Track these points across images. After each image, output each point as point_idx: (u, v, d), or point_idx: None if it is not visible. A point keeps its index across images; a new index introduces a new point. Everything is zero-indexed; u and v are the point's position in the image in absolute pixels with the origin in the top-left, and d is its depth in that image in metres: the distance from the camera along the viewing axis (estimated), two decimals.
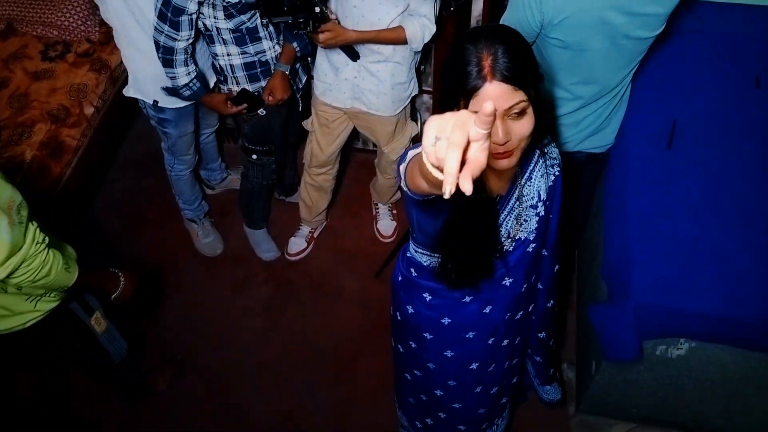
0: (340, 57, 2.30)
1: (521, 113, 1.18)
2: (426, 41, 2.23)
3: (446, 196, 0.74)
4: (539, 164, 1.46)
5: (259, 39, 2.27)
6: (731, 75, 2.18)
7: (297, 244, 2.99)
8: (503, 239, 1.46)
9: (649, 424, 2.36)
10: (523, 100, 1.17)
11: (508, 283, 1.57)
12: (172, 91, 2.33)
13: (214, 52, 2.30)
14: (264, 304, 2.84)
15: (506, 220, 1.44)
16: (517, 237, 1.47)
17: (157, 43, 2.15)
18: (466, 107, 1.17)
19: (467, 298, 1.58)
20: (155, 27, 2.12)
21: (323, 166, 2.71)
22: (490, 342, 1.68)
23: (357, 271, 2.90)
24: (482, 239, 1.41)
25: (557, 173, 1.51)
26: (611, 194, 2.10)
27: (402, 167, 1.20)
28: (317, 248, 3.01)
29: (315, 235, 3.04)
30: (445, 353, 1.70)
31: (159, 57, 2.19)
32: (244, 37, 2.23)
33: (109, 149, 3.17)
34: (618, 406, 2.21)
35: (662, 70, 2.16)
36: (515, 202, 1.44)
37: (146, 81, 2.37)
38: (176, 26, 2.11)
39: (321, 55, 2.38)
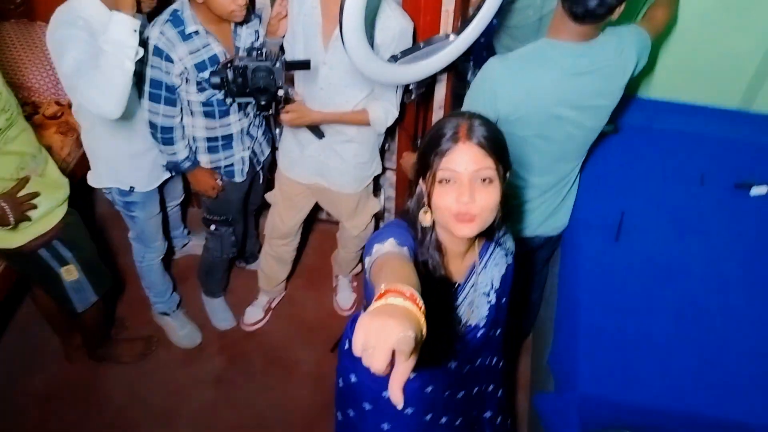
0: (306, 134, 2.35)
1: (488, 181, 1.26)
2: (389, 125, 2.30)
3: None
4: (494, 253, 1.51)
5: (228, 112, 2.32)
6: (677, 171, 2.29)
7: (254, 314, 2.97)
8: (456, 325, 1.48)
9: None
10: (491, 167, 1.25)
11: (452, 366, 1.58)
12: (174, 167, 2.37)
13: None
14: (215, 376, 2.78)
15: (461, 305, 1.47)
16: (468, 323, 1.50)
17: (155, 126, 2.22)
18: (438, 165, 1.26)
19: (411, 375, 1.57)
20: (150, 111, 2.19)
21: (284, 237, 2.73)
22: (427, 418, 1.67)
23: (313, 344, 2.88)
24: (438, 325, 1.43)
25: (510, 262, 1.56)
26: (562, 282, 2.16)
27: (367, 261, 1.26)
28: (275, 318, 2.99)
29: (273, 305, 3.02)
30: (382, 426, 1.69)
31: (158, 139, 2.25)
32: (213, 110, 2.28)
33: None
34: None
35: (611, 164, 2.26)
36: (471, 289, 1.48)
37: (122, 168, 2.35)
38: (173, 103, 2.20)
39: (288, 132, 2.44)
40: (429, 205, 1.32)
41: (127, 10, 1.85)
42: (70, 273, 2.28)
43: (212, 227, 2.62)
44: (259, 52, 2.04)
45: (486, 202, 1.26)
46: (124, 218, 2.56)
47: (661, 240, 2.08)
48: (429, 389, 1.62)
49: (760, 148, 2.37)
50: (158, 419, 2.63)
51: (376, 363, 0.83)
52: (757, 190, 2.21)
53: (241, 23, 2.20)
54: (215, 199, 2.52)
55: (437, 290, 1.42)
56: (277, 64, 2.03)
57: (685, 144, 2.37)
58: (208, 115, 2.29)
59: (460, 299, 1.48)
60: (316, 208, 2.77)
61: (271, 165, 2.72)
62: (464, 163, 1.25)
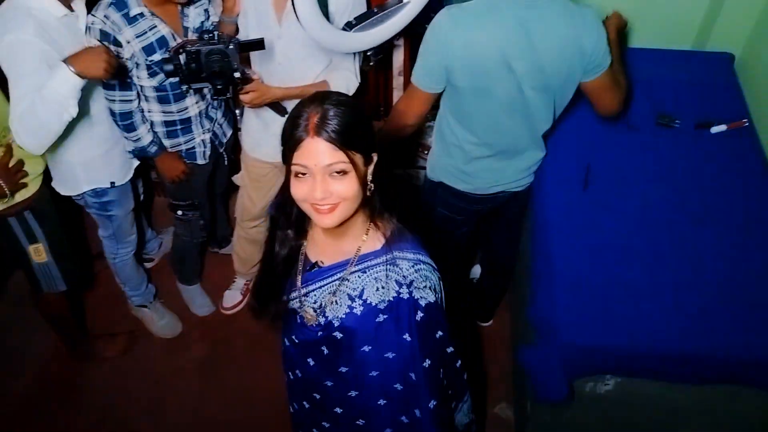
0: (269, 113, 2.32)
1: (342, 174, 1.23)
2: (351, 94, 2.28)
3: None
4: (380, 267, 1.37)
5: (183, 96, 2.27)
6: (637, 117, 2.31)
7: (232, 298, 2.95)
8: (316, 307, 1.43)
9: None
10: (343, 161, 1.22)
11: (325, 352, 1.48)
12: (141, 152, 2.33)
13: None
14: (199, 363, 2.77)
15: (322, 289, 1.42)
16: (327, 314, 1.42)
17: (113, 113, 2.18)
18: (291, 158, 1.23)
19: (296, 340, 1.55)
20: (107, 98, 2.16)
21: (256, 219, 2.71)
22: (316, 396, 1.62)
23: None
24: (269, 273, 1.47)
25: (407, 296, 1.34)
26: (534, 235, 2.18)
27: None
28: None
29: (250, 287, 3.01)
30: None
31: (119, 125, 2.21)
32: (167, 95, 2.23)
33: None
34: None
35: (573, 112, 2.27)
36: (337, 281, 1.40)
37: (98, 167, 2.29)
38: (128, 87, 2.16)
39: (249, 112, 2.40)
40: (290, 196, 1.29)
41: (93, 75, 1.89)
42: (38, 254, 2.29)
43: (179, 213, 2.59)
44: (210, 35, 1.99)
45: (343, 192, 1.24)
46: (97, 219, 2.51)
47: (629, 186, 2.10)
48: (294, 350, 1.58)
49: (716, 87, 2.40)
50: (146, 411, 2.62)
51: None
52: (717, 129, 2.24)
53: (188, 3, 2.15)
54: (179, 185, 2.48)
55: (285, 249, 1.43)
56: (231, 46, 1.98)
57: (643, 89, 2.38)
58: (162, 100, 2.24)
59: (321, 283, 1.42)
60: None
61: (235, 146, 2.69)
62: (314, 158, 1.21)
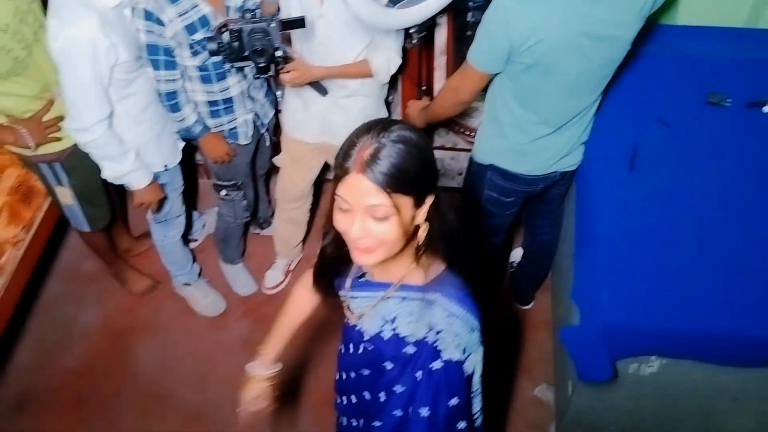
0: (309, 93, 2.33)
1: (383, 218, 1.14)
2: (392, 73, 2.27)
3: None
4: (415, 302, 1.30)
5: (225, 75, 2.29)
6: (688, 95, 2.25)
7: (274, 278, 2.99)
8: (360, 313, 1.41)
9: None
10: (386, 205, 1.12)
11: (360, 350, 1.47)
12: (186, 133, 2.37)
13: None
14: (242, 340, 2.82)
15: (366, 300, 1.39)
16: (362, 319, 1.40)
17: (159, 93, 2.22)
18: (335, 188, 1.16)
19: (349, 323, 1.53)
20: (154, 79, 2.19)
21: (296, 200, 2.73)
22: (352, 375, 1.59)
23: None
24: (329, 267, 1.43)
25: (433, 341, 1.25)
26: (579, 217, 2.15)
27: None
28: (294, 280, 3.00)
29: (292, 268, 3.04)
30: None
31: (165, 106, 2.25)
32: (210, 75, 2.26)
33: None
34: (597, 425, 2.23)
35: (621, 93, 2.22)
36: (380, 297, 1.36)
37: (151, 152, 2.33)
38: (172, 66, 2.18)
39: (290, 92, 2.41)
40: (332, 222, 1.22)
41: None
42: (64, 196, 2.42)
43: (223, 192, 2.62)
44: (252, 13, 2.00)
45: (383, 236, 1.16)
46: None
47: (677, 165, 2.06)
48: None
49: None
50: (190, 386, 2.68)
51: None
52: None
53: None
54: (223, 165, 2.52)
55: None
56: (273, 24, 1.99)
57: (695, 67, 2.32)
58: (205, 80, 2.26)
59: (368, 291, 1.39)
60: (326, 168, 2.75)
61: (276, 127, 2.71)
62: (355, 195, 1.12)
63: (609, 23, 1.79)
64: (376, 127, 1.14)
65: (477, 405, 1.37)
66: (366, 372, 1.47)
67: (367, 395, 1.51)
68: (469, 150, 2.72)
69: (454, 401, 1.28)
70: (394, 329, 1.32)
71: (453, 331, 1.25)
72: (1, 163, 2.59)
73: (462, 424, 1.33)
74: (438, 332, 1.25)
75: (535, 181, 2.16)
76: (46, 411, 2.61)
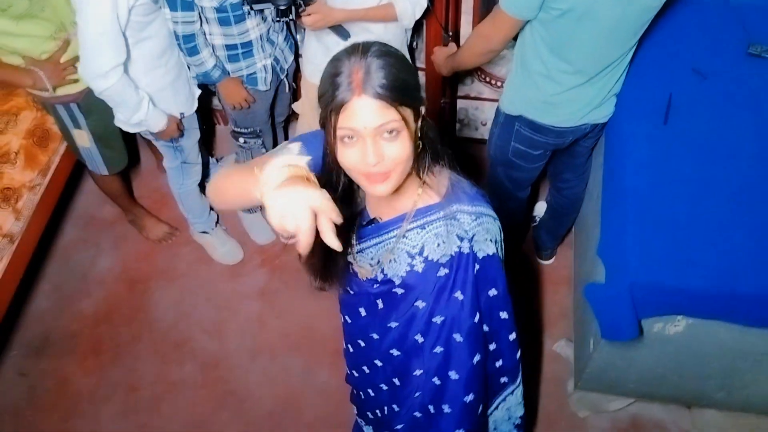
0: (331, 37, 2.25)
1: (394, 134, 1.11)
2: (417, 17, 2.19)
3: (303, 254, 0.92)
4: (439, 222, 1.30)
5: (243, 18, 2.21)
6: (724, 45, 2.15)
7: None
8: (373, 263, 1.38)
9: (647, 400, 2.37)
10: (395, 120, 1.09)
11: (379, 306, 1.46)
12: (204, 77, 2.31)
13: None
14: (259, 289, 2.82)
15: (380, 246, 1.36)
16: (385, 271, 1.37)
17: (177, 37, 2.16)
18: (336, 122, 1.10)
19: (351, 291, 1.52)
20: (170, 20, 2.12)
21: None
22: (361, 343, 1.62)
23: None
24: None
25: (468, 250, 1.29)
26: (608, 172, 2.08)
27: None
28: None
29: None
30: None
31: (183, 49, 2.20)
32: (228, 17, 2.18)
33: None
34: (616, 382, 2.21)
35: (657, 43, 2.12)
36: (393, 238, 1.34)
37: (165, 99, 2.28)
38: (189, 7, 2.11)
39: (311, 36, 2.33)
40: (335, 163, 1.17)
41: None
42: (81, 138, 2.41)
43: (241, 140, 2.58)
44: None
45: (397, 154, 1.12)
46: (164, 151, 2.51)
47: (713, 120, 1.97)
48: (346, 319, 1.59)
49: None
50: (207, 333, 2.69)
51: (302, 227, 0.88)
52: None
53: None
54: (242, 112, 2.46)
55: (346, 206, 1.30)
56: None
57: (735, 16, 2.20)
58: (223, 22, 2.19)
59: (378, 239, 1.36)
60: None
61: (296, 73, 2.64)
62: (363, 119, 1.08)
63: None
64: (354, 51, 1.11)
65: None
66: (393, 325, 1.45)
67: (395, 352, 1.50)
68: (494, 100, 2.65)
69: (493, 292, 1.35)
70: (425, 258, 1.32)
71: (485, 228, 1.29)
72: (17, 106, 2.55)
73: (504, 314, 1.40)
74: (472, 238, 1.28)
75: (564, 133, 2.08)
76: (65, 355, 2.64)
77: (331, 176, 1.25)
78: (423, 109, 1.18)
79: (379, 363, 1.59)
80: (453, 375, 1.43)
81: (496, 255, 1.32)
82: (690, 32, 2.18)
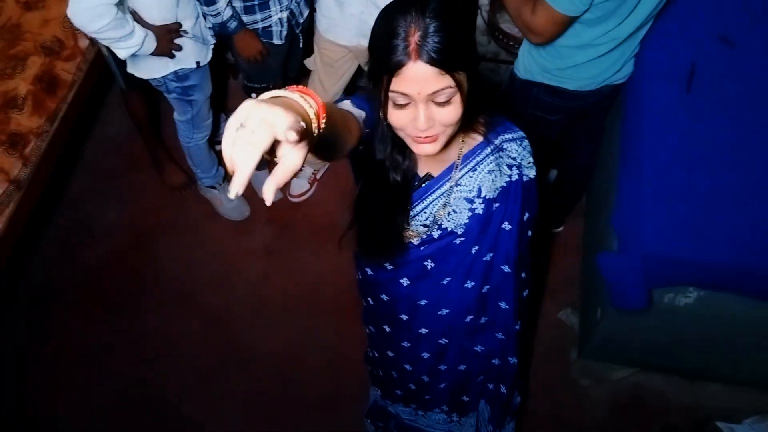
0: None
1: (447, 100, 1.08)
2: None
3: (231, 196, 0.71)
4: (489, 159, 1.32)
5: None
6: (756, 12, 2.08)
7: (299, 186, 2.94)
8: (428, 222, 1.37)
9: (651, 370, 2.37)
10: (450, 87, 1.06)
11: (429, 266, 1.46)
12: (221, 28, 2.25)
13: None
14: (265, 246, 2.81)
15: (433, 203, 1.35)
16: (443, 225, 1.37)
17: None
18: (389, 84, 1.06)
19: (389, 266, 1.51)
20: None
21: None
22: (403, 317, 1.61)
23: None
24: (386, 215, 1.35)
25: (517, 177, 1.34)
26: (625, 140, 2.04)
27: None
28: (320, 189, 2.96)
29: (318, 177, 2.98)
30: (400, 316, 1.64)
31: None
32: None
33: (106, 84, 3.07)
34: (621, 352, 2.22)
35: (682, 7, 2.06)
36: (448, 189, 1.33)
37: (182, 45, 2.22)
38: None
39: None
40: (385, 120, 1.14)
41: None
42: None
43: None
44: None
45: (448, 119, 1.10)
46: (176, 105, 2.47)
47: (737, 90, 1.93)
48: (405, 283, 1.54)
49: None
50: (212, 288, 2.69)
51: (246, 148, 0.68)
52: None
53: None
54: (255, 65, 2.41)
55: (393, 184, 1.29)
56: None
57: None
58: None
59: (433, 196, 1.35)
60: (357, 74, 2.64)
61: (309, 29, 2.58)
62: (417, 85, 1.04)
63: None
64: (412, 7, 1.04)
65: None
66: (446, 280, 1.47)
67: (444, 311, 1.52)
68: (509, 62, 2.58)
69: (526, 215, 1.42)
70: (484, 198, 1.35)
71: (528, 151, 1.35)
72: (24, 50, 2.50)
73: (530, 232, 1.47)
74: (520, 165, 1.34)
75: (583, 96, 2.03)
76: (70, 305, 2.64)
77: (384, 133, 1.22)
78: (477, 66, 1.15)
79: (424, 330, 1.60)
80: (503, 305, 1.51)
81: (535, 177, 1.38)
82: None
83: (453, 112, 1.09)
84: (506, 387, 1.73)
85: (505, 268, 1.45)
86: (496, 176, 1.33)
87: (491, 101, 1.32)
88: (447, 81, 1.05)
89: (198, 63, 2.29)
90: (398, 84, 1.05)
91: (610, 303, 1.90)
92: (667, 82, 1.95)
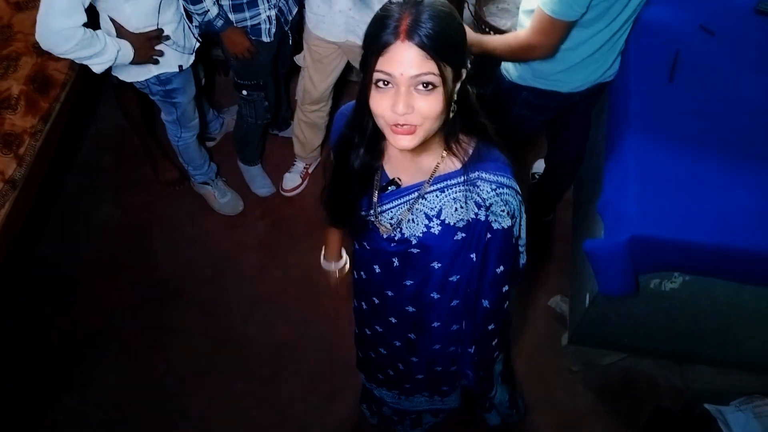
0: None
1: (429, 89, 1.09)
2: None
3: None
4: (459, 188, 1.29)
5: None
6: (736, 3, 2.13)
7: (292, 180, 2.97)
8: (393, 222, 1.38)
9: (641, 355, 2.42)
10: (433, 73, 1.07)
11: (395, 264, 1.47)
12: (207, 26, 2.27)
13: None
14: (259, 240, 2.84)
15: (398, 206, 1.36)
16: (403, 231, 1.38)
17: None
18: (374, 64, 1.08)
19: (367, 246, 1.53)
20: None
21: (317, 102, 2.66)
22: (375, 300, 1.65)
23: None
24: (342, 197, 1.39)
25: (483, 218, 1.28)
26: (611, 129, 2.08)
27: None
28: (312, 183, 2.99)
29: (310, 171, 3.01)
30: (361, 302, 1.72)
31: None
32: None
33: (99, 82, 3.08)
34: (610, 337, 2.26)
35: (662, 0, 2.10)
36: (415, 196, 1.33)
37: (166, 52, 2.23)
38: None
39: None
40: (367, 107, 1.15)
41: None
42: None
43: (244, 92, 2.56)
44: None
45: (427, 110, 1.10)
46: (161, 106, 2.49)
47: (717, 78, 1.97)
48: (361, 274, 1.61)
49: None
50: (207, 282, 2.72)
51: None
52: None
53: None
54: (244, 63, 2.44)
55: (357, 173, 1.34)
56: None
57: None
58: None
59: (399, 200, 1.36)
60: (348, 69, 2.66)
61: (299, 26, 2.60)
62: (401, 66, 1.06)
63: None
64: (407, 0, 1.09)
65: (523, 258, 1.45)
66: (409, 283, 1.48)
67: (410, 308, 1.54)
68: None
69: (500, 269, 1.35)
70: (442, 221, 1.32)
71: (503, 200, 1.27)
72: (17, 50, 2.53)
73: (506, 287, 1.41)
74: (489, 207, 1.27)
75: (571, 96, 2.07)
76: (67, 301, 2.67)
77: (361, 121, 1.25)
78: (464, 73, 1.16)
79: (393, 320, 1.62)
80: (472, 321, 1.49)
81: (511, 230, 1.30)
82: None
83: (433, 103, 1.10)
84: (484, 372, 1.67)
85: (472, 290, 1.43)
86: (461, 207, 1.29)
87: (484, 131, 1.29)
88: (431, 66, 1.07)
89: (180, 67, 2.30)
90: (383, 63, 1.08)
91: (598, 290, 1.93)
92: (650, 71, 1.99)
